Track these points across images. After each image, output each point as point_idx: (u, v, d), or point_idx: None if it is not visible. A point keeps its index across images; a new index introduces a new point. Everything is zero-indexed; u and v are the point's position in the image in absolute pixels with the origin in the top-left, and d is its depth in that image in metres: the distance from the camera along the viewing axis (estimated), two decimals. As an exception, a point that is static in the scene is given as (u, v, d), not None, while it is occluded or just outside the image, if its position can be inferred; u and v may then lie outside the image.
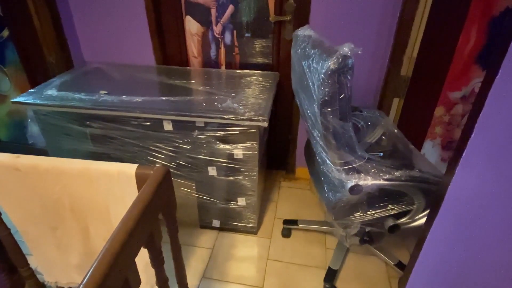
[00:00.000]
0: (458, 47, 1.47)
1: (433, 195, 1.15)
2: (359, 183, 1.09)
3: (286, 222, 1.71)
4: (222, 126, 1.37)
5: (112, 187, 0.96)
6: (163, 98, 1.43)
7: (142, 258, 1.05)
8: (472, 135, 0.81)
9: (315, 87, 1.02)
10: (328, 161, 1.14)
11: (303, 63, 1.10)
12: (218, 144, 1.42)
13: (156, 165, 1.54)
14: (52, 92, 1.48)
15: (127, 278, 0.72)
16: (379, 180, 1.09)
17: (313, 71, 1.02)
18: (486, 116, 0.77)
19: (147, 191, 0.84)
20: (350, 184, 1.09)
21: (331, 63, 0.94)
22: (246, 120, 1.30)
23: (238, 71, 1.77)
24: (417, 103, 1.62)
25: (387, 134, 1.52)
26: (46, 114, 1.47)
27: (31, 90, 1.50)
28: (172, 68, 1.81)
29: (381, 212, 1.19)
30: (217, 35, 1.77)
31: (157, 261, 0.93)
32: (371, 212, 1.20)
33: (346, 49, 0.94)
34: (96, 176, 0.95)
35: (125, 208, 0.99)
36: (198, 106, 1.37)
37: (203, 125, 1.38)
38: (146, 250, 1.03)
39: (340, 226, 1.29)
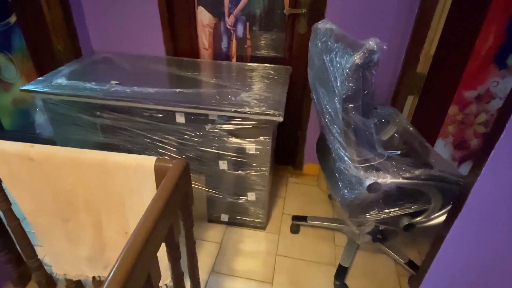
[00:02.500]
0: (476, 46, 1.45)
1: (451, 194, 1.14)
2: (378, 181, 1.07)
3: (295, 218, 1.69)
4: (235, 120, 1.34)
5: (129, 180, 0.93)
6: (176, 90, 1.40)
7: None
8: (502, 135, 0.79)
9: (338, 81, 0.99)
10: (346, 158, 1.12)
11: (325, 57, 1.08)
12: (230, 138, 1.40)
13: (171, 156, 1.52)
14: (62, 80, 1.45)
15: (149, 273, 0.70)
16: (399, 178, 1.07)
17: (336, 66, 1.00)
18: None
19: (167, 185, 0.82)
20: (369, 182, 1.08)
21: (357, 58, 0.91)
22: (262, 114, 1.28)
23: (250, 64, 1.74)
24: (432, 101, 1.60)
25: (399, 132, 1.50)
26: (55, 103, 1.44)
27: (40, 78, 1.47)
28: (183, 59, 1.78)
29: (397, 210, 1.18)
30: (229, 27, 1.73)
31: (174, 256, 0.92)
32: (387, 210, 1.18)
33: (372, 43, 0.92)
34: (113, 168, 0.92)
35: (141, 201, 0.97)
36: (211, 99, 1.35)
37: (216, 118, 1.36)
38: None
39: (354, 224, 1.28)
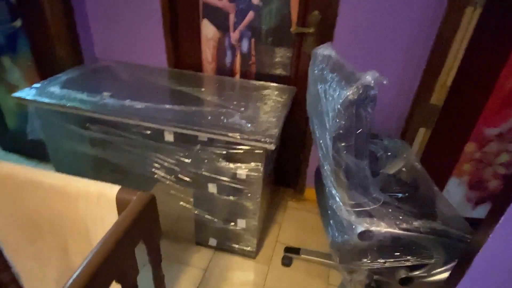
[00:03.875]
0: (500, 79, 1.30)
1: (455, 251, 1.00)
2: (370, 229, 0.95)
3: (287, 250, 1.58)
4: (227, 143, 1.26)
5: (91, 207, 0.86)
6: (167, 106, 1.33)
7: None
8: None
9: (330, 117, 0.89)
10: (337, 199, 1.01)
11: (319, 86, 0.97)
12: (220, 161, 1.31)
13: (158, 174, 1.45)
14: (55, 89, 1.42)
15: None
16: (395, 228, 0.94)
17: (329, 99, 0.89)
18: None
19: (124, 221, 0.74)
20: (360, 229, 0.96)
21: (350, 93, 0.81)
22: (252, 140, 1.18)
23: (253, 82, 1.66)
24: (446, 135, 1.45)
25: (408, 167, 1.37)
26: (47, 112, 1.40)
27: (36, 85, 1.44)
28: (184, 72, 1.72)
29: (393, 262, 1.05)
30: (234, 42, 1.66)
31: (130, 298, 0.83)
32: (381, 260, 1.05)
33: (369, 78, 0.81)
34: (75, 194, 0.85)
35: (104, 230, 0.89)
36: (202, 119, 1.27)
37: (206, 140, 1.28)
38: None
39: (344, 269, 1.15)
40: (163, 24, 1.64)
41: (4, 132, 2.08)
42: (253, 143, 1.19)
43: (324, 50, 1.05)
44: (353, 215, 0.97)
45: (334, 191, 1.01)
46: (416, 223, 0.94)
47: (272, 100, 1.48)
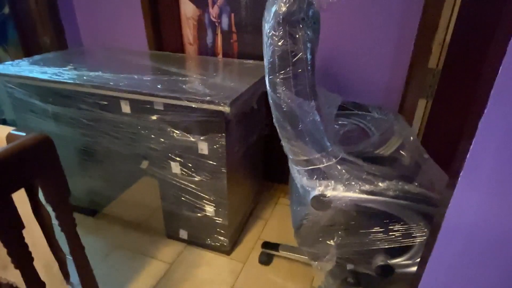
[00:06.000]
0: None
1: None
2: (325, 193, 0.75)
3: (266, 245, 1.36)
4: (184, 112, 1.12)
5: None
6: (124, 75, 1.23)
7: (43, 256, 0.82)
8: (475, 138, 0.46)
9: (264, 47, 0.72)
10: (289, 156, 0.82)
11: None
12: (179, 133, 1.17)
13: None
14: (24, 64, 1.39)
15: None
16: (355, 191, 0.73)
17: (264, 26, 0.73)
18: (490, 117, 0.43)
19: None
20: (313, 193, 0.75)
21: (277, 7, 0.64)
22: (205, 103, 1.03)
23: (232, 59, 1.53)
24: (452, 107, 1.21)
25: (406, 147, 1.13)
26: (12, 87, 1.36)
27: (7, 62, 1.42)
28: (164, 53, 1.64)
29: (363, 243, 0.82)
30: (213, 19, 1.56)
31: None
32: (349, 241, 0.83)
33: (304, -13, 0.64)
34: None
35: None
36: (158, 85, 1.15)
37: (162, 108, 1.15)
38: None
39: (309, 256, 0.93)
40: (142, 6, 1.59)
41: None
42: (205, 106, 1.04)
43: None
44: (305, 177, 0.77)
45: (286, 147, 0.82)
46: (383, 185, 0.72)
47: (245, 73, 1.33)
